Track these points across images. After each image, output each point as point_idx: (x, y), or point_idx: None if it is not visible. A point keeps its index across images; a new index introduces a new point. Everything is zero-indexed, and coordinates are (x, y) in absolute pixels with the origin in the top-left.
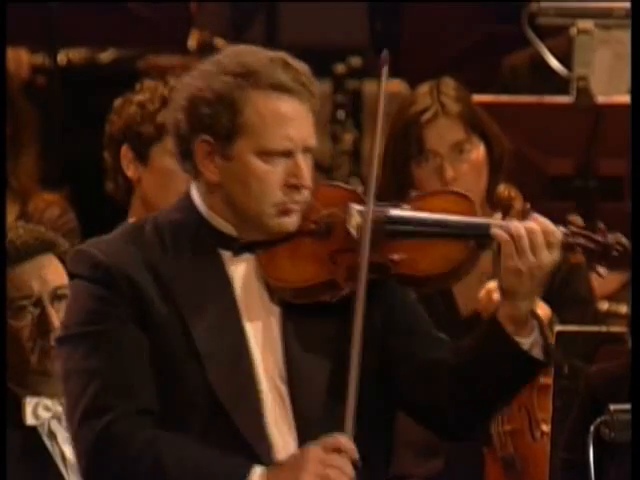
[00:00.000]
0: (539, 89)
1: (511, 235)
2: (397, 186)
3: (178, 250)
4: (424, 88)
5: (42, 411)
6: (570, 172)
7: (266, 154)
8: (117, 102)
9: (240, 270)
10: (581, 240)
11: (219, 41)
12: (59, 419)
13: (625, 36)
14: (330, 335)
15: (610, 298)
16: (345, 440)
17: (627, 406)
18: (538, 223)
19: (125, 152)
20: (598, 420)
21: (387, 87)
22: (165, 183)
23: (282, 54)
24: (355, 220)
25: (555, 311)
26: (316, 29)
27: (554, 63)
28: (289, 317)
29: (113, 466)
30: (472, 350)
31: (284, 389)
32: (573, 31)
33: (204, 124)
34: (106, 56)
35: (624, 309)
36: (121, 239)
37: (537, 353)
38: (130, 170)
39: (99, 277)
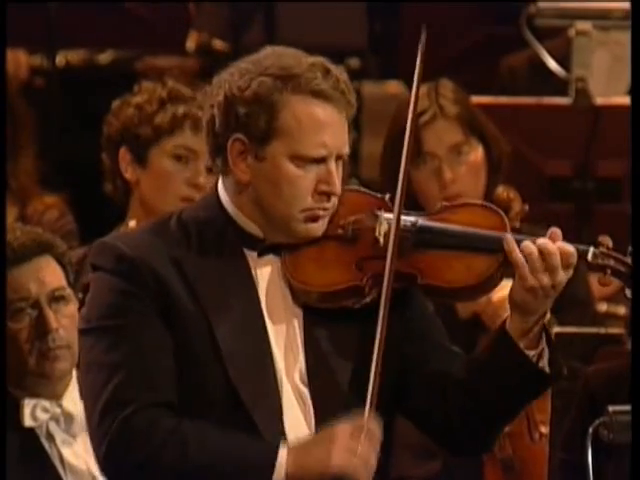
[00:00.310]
0: (537, 90)
1: (527, 256)
2: (394, 188)
3: (203, 248)
4: (422, 90)
5: (40, 413)
6: (568, 173)
7: (300, 159)
8: (115, 104)
9: (264, 271)
10: (611, 262)
11: (217, 42)
12: (57, 421)
13: (623, 37)
14: (351, 340)
15: (608, 299)
16: (372, 420)
17: (626, 407)
18: (557, 244)
19: (123, 154)
20: (597, 421)
21: (385, 88)
22: (163, 185)
23: (322, 60)
24: (383, 228)
25: (553, 312)
26: (314, 30)
27: (552, 64)
28: (311, 320)
29: (135, 456)
30: (480, 362)
31: (305, 391)
32: (571, 32)
33: (240, 123)
34: (104, 57)
35: (622, 310)
36: (146, 233)
37: (544, 365)
38: (128, 172)
39: (123, 270)
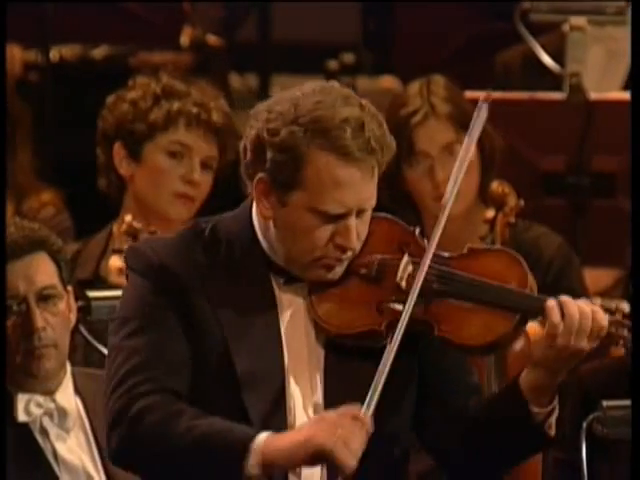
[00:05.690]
0: (532, 86)
1: (563, 315)
2: (388, 187)
3: (230, 262)
4: (414, 88)
5: (34, 408)
6: (562, 168)
7: (318, 213)
8: (109, 99)
9: (289, 297)
10: (625, 332)
11: (211, 38)
12: (51, 416)
13: (618, 33)
14: (371, 375)
15: (602, 294)
16: (362, 410)
17: (619, 402)
18: (591, 309)
19: (117, 149)
20: (591, 416)
21: (379, 83)
22: (158, 181)
23: (360, 112)
24: (407, 272)
25: None
26: (309, 26)
27: (547, 60)
28: (334, 354)
29: (134, 433)
30: (488, 406)
31: None
32: (566, 28)
33: (266, 166)
34: (98, 53)
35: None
36: (177, 240)
37: (549, 425)
38: (123, 167)
39: (150, 275)
